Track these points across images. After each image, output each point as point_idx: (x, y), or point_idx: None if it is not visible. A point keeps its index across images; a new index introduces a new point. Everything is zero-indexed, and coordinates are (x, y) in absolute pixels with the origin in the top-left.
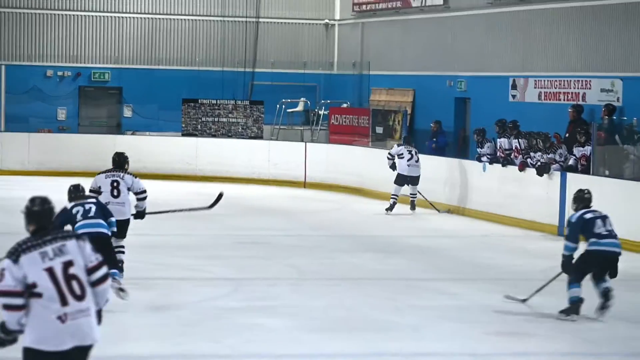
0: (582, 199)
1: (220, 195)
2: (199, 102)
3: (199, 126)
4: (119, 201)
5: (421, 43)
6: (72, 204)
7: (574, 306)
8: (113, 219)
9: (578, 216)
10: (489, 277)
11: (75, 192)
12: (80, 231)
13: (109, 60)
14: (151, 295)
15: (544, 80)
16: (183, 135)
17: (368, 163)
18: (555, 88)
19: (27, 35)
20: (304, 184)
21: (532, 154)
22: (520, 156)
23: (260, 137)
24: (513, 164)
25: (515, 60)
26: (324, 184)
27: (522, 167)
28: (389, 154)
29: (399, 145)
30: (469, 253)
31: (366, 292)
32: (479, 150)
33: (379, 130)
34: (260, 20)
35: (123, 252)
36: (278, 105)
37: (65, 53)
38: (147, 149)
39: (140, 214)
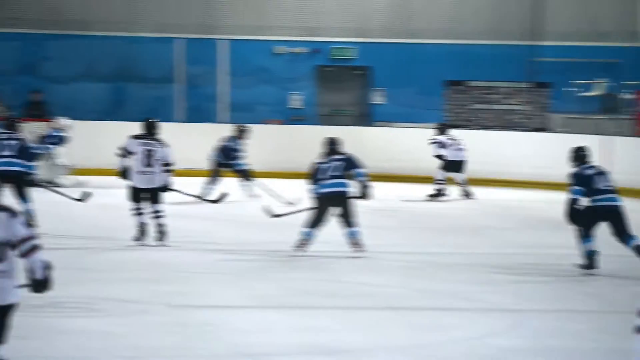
0: (579, 156)
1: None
2: (467, 84)
3: (466, 115)
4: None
5: None
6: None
7: (590, 260)
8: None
9: (577, 170)
10: None
11: (331, 145)
12: (325, 190)
13: (353, 33)
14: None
15: None
16: None
17: None
18: None
19: (251, 3)
20: None
21: None
22: None
23: (546, 129)
24: None
25: None
26: (634, 190)
27: None
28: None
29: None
30: None
31: None
32: None
33: None
34: None
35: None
36: (568, 88)
37: (298, 24)
38: (404, 144)
39: None
